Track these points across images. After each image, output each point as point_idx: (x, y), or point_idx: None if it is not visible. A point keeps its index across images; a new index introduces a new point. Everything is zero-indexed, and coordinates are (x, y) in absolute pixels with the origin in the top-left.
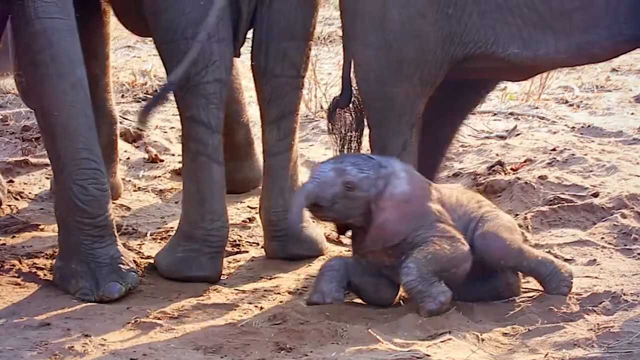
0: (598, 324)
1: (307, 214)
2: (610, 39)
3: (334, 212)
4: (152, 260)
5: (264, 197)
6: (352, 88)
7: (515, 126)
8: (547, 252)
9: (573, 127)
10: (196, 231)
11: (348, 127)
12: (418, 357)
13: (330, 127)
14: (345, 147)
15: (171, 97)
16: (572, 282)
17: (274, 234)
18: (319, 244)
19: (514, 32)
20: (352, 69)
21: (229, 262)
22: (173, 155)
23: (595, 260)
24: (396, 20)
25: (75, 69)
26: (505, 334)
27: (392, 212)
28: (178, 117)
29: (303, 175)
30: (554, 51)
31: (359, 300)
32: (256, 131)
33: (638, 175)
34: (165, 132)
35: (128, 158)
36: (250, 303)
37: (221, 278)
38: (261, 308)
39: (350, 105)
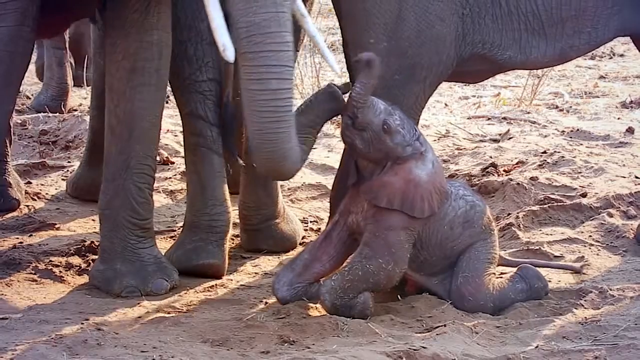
0: (586, 317)
1: (288, 211)
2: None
3: (359, 138)
4: None
5: (241, 192)
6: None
7: (508, 130)
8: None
9: (563, 131)
10: (200, 219)
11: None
12: (415, 349)
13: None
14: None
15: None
16: (547, 285)
17: (245, 227)
18: (287, 241)
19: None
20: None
21: (236, 259)
22: (183, 157)
23: (583, 257)
24: (413, 26)
25: (166, 85)
26: (497, 327)
27: (399, 182)
28: None
29: (305, 177)
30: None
31: None
32: None
33: (624, 177)
34: (176, 136)
35: None
36: (255, 298)
37: (226, 271)
38: (266, 303)
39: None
